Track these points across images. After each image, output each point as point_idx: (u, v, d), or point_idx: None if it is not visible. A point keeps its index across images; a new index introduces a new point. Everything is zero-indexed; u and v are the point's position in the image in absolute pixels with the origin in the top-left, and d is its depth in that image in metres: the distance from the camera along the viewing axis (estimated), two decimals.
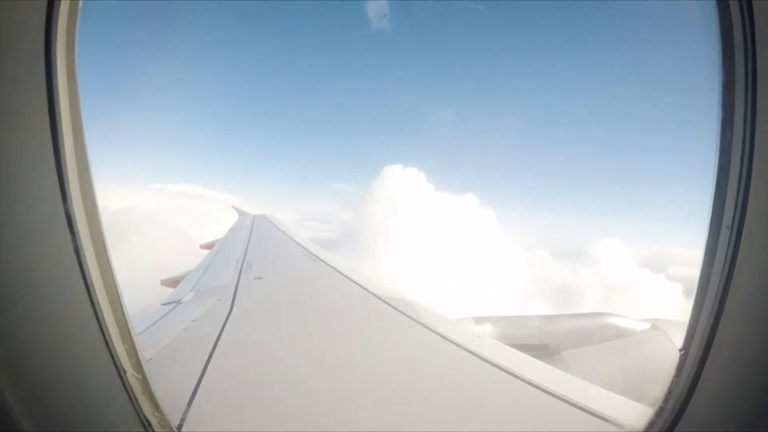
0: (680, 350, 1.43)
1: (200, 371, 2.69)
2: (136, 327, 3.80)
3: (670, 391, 1.46)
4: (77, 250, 1.21)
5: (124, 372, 1.34)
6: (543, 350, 4.57)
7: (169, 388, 2.53)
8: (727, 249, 1.25)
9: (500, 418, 2.31)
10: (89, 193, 1.26)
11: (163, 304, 4.72)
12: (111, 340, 1.31)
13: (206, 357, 2.93)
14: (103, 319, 1.28)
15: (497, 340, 4.00)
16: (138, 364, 1.41)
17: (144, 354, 2.95)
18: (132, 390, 1.37)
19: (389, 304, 4.52)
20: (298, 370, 2.86)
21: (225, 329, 3.59)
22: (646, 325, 4.73)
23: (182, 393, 2.38)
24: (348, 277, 5.96)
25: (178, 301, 4.73)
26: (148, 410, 1.43)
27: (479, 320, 4.74)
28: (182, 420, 2.11)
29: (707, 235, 1.33)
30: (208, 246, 11.21)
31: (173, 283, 7.00)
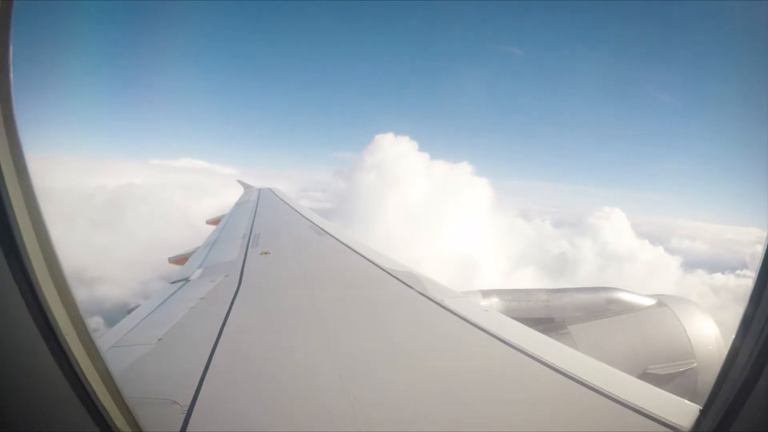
0: (734, 342, 1.31)
1: (210, 350, 2.72)
2: (144, 307, 3.84)
3: (719, 386, 1.35)
4: (14, 242, 1.15)
5: (81, 370, 1.28)
6: (549, 324, 4.58)
7: (179, 369, 2.58)
8: None
9: (512, 395, 2.32)
10: (26, 184, 1.19)
11: (172, 283, 4.76)
12: (62, 335, 1.24)
13: (215, 335, 2.96)
14: (50, 312, 1.22)
15: (504, 313, 4.00)
16: (99, 362, 1.35)
17: (154, 334, 3.01)
18: (92, 388, 1.31)
19: (396, 278, 4.53)
20: (307, 346, 2.89)
21: (233, 306, 3.62)
22: (652, 301, 4.72)
23: (192, 372, 2.42)
24: (354, 250, 5.95)
25: (187, 279, 4.77)
26: (111, 408, 1.37)
27: (486, 293, 4.73)
28: (193, 399, 2.14)
29: None
30: (215, 222, 11.24)
31: (181, 260, 7.04)
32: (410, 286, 4.20)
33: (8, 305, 1.17)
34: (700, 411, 1.46)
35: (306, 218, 9.44)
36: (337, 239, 6.85)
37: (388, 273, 4.71)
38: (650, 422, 1.96)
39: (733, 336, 1.32)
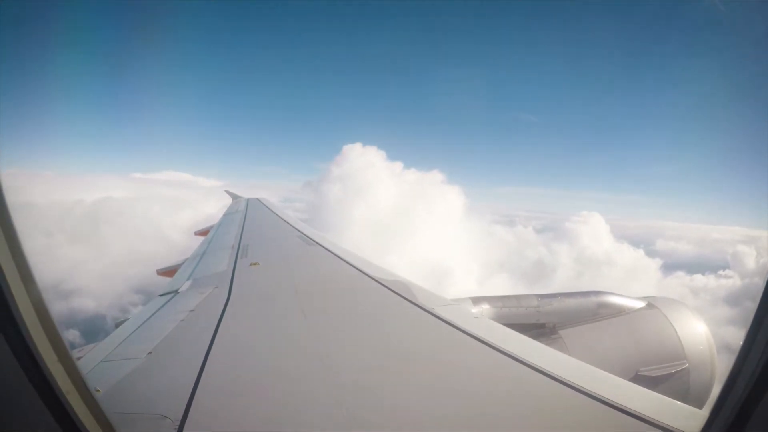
0: (745, 341, 1.26)
1: (200, 363, 2.69)
2: (133, 320, 3.80)
3: (729, 387, 1.30)
4: None
5: (48, 369, 1.24)
6: (540, 329, 4.61)
7: (169, 382, 2.54)
8: None
9: (501, 403, 2.31)
10: None
11: (161, 295, 4.70)
12: (29, 335, 1.21)
13: (206, 348, 2.93)
14: (18, 312, 1.19)
15: (495, 319, 4.01)
16: (68, 361, 1.31)
17: (144, 348, 2.97)
18: (60, 388, 1.27)
19: (386, 287, 4.51)
20: (297, 356, 2.87)
21: (223, 318, 3.59)
22: (642, 303, 4.78)
23: (183, 386, 2.39)
24: (344, 260, 5.93)
25: (176, 291, 4.71)
26: (79, 408, 1.33)
27: (476, 300, 4.74)
28: (185, 414, 2.11)
29: None
30: (203, 233, 11.15)
31: (170, 272, 6.96)
32: (401, 295, 4.19)
33: None
34: (710, 413, 1.40)
35: (295, 228, 9.41)
36: (326, 249, 6.82)
37: (379, 282, 4.70)
38: (650, 427, 1.96)
39: (744, 335, 1.28)
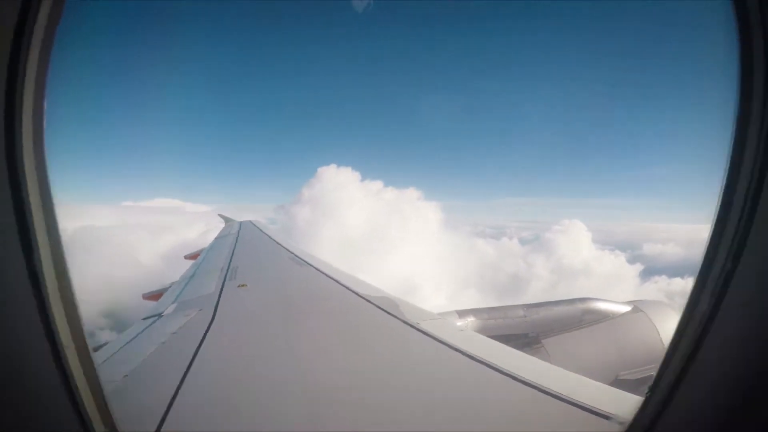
0: (673, 338, 1.38)
1: (176, 386, 2.67)
2: (113, 344, 3.75)
3: (658, 380, 1.43)
4: (29, 252, 1.19)
5: (70, 370, 1.31)
6: (524, 339, 4.61)
7: (143, 405, 2.51)
8: (732, 241, 1.21)
9: (480, 412, 2.33)
10: (47, 199, 1.24)
11: (144, 318, 4.67)
12: (60, 339, 1.28)
13: (183, 370, 2.91)
14: (54, 318, 1.26)
15: (480, 331, 4.02)
16: (89, 366, 1.39)
17: (121, 371, 2.95)
18: (78, 391, 1.34)
19: (373, 303, 4.51)
20: (278, 376, 2.85)
21: (205, 340, 3.56)
22: (628, 308, 4.80)
23: (156, 409, 2.36)
24: (332, 278, 5.93)
25: (159, 315, 4.68)
26: (92, 410, 1.40)
27: (462, 313, 4.76)
28: None
29: (712, 224, 1.27)
30: (193, 256, 11.09)
31: (155, 296, 6.91)
32: (386, 311, 4.20)
33: (25, 321, 1.21)
34: (643, 400, 1.51)
35: (286, 249, 9.39)
36: (316, 268, 6.81)
37: (365, 299, 4.70)
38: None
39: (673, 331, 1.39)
